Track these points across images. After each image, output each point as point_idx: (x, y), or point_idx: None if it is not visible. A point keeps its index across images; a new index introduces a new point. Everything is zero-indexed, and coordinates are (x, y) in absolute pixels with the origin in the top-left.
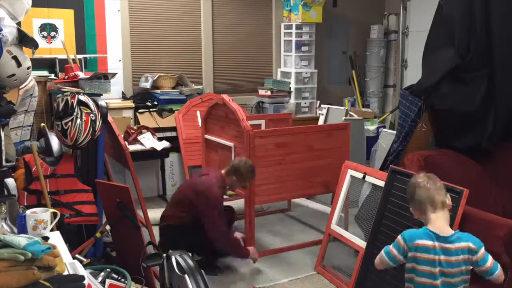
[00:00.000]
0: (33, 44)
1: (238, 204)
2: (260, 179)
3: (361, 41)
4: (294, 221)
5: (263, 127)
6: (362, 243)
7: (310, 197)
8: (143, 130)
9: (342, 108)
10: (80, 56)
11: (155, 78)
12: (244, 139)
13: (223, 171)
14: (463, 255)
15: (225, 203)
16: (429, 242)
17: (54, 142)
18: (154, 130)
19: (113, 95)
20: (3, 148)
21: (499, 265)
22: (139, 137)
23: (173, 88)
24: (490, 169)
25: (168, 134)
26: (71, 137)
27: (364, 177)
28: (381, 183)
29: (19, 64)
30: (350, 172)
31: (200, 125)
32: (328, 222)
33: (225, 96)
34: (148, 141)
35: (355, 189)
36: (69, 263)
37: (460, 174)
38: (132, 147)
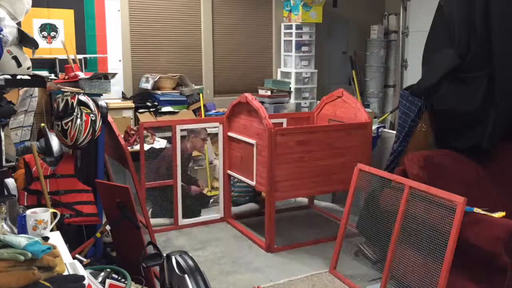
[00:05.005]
0: (33, 44)
1: None
2: (281, 176)
3: (361, 41)
4: (304, 220)
5: (284, 126)
6: None
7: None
8: (145, 132)
9: None
10: (80, 56)
11: (156, 79)
12: (266, 137)
13: None
14: None
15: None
16: None
17: (54, 142)
18: (154, 130)
19: (113, 95)
20: (3, 148)
21: None
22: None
23: (174, 88)
24: (490, 169)
25: (168, 134)
26: (71, 137)
27: None
28: None
29: (19, 64)
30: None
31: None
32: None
33: (248, 95)
34: (159, 143)
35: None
36: (69, 263)
37: (460, 174)
38: (133, 147)
